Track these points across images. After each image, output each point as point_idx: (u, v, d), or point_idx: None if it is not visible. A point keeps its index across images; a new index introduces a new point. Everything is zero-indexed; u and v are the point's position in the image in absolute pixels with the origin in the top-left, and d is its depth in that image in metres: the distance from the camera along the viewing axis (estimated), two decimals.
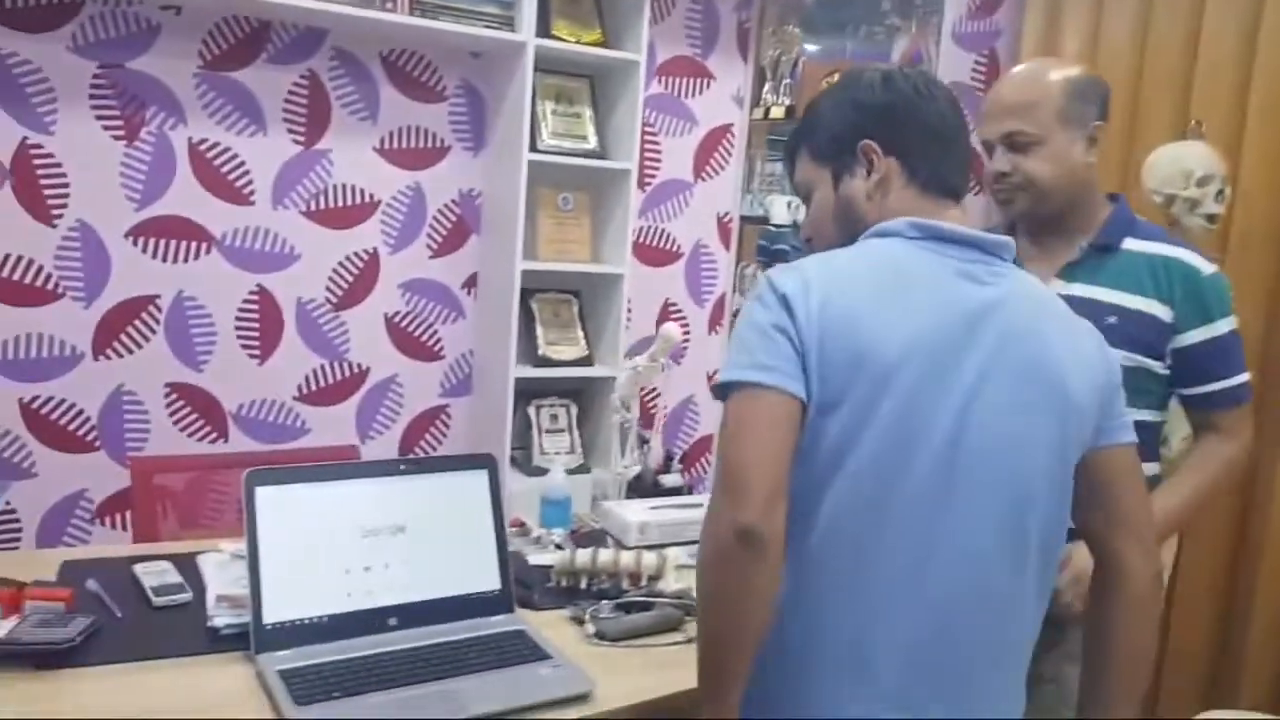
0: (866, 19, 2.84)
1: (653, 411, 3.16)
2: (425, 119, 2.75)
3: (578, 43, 2.68)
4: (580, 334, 2.87)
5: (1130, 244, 1.52)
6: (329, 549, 1.38)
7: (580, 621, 1.50)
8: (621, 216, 2.80)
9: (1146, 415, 1.49)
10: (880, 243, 1.10)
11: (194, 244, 2.54)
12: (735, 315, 3.12)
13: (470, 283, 2.89)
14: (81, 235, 2.41)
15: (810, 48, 2.99)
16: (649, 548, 1.69)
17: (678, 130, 3.06)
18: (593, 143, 2.78)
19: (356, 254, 2.74)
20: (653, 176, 3.03)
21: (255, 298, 2.63)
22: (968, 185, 1.18)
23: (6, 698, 1.18)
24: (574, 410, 2.92)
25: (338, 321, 2.74)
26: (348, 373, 2.78)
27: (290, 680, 1.23)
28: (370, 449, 2.80)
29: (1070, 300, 1.31)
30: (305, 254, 2.67)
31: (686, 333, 3.03)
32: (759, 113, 2.92)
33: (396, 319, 2.82)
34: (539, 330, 2.81)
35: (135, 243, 2.47)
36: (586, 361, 2.84)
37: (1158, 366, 1.50)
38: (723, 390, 1.04)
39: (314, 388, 2.74)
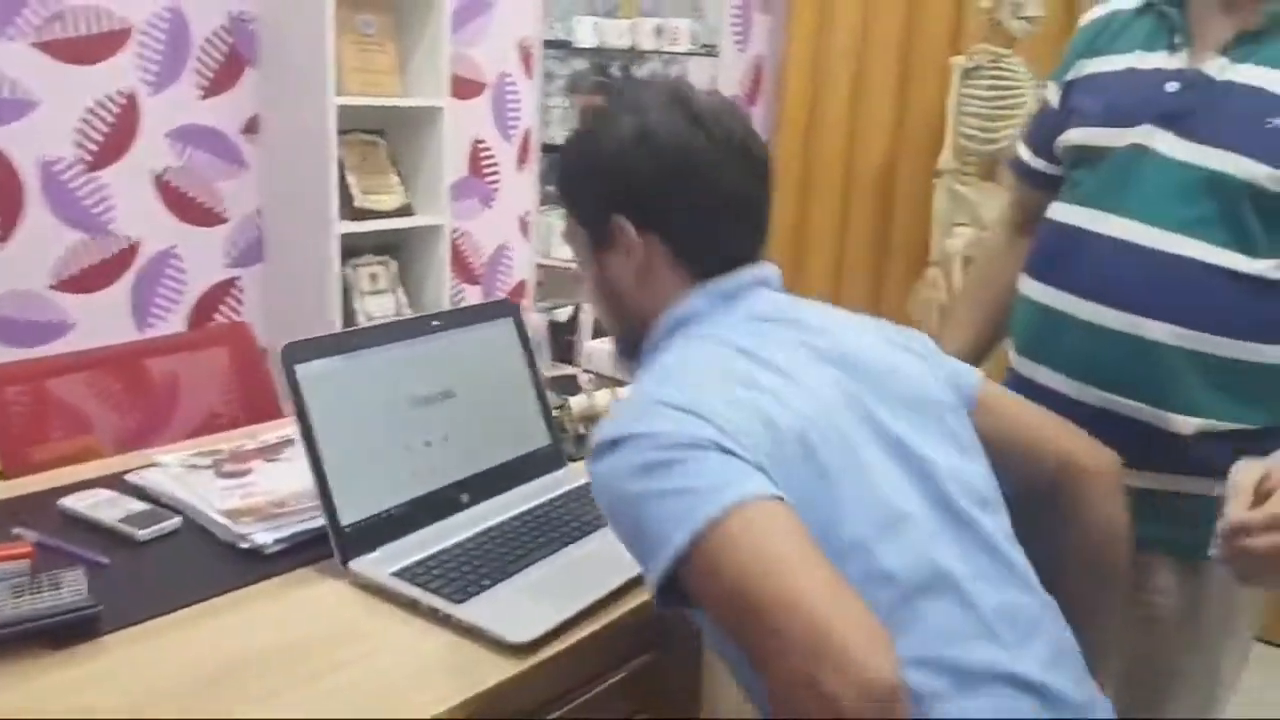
0: None
1: (469, 259, 2.93)
2: None
3: None
4: (396, 180, 2.54)
5: None
6: (386, 427, 1.14)
7: None
8: (433, 39, 2.46)
9: None
10: (695, 343, 0.88)
11: None
12: (544, 150, 2.93)
13: (251, 127, 2.42)
14: None
15: None
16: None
17: None
18: None
19: (109, 97, 2.16)
20: None
21: None
22: (763, 238, 0.94)
23: (52, 686, 0.86)
24: (394, 267, 2.62)
25: (95, 184, 2.17)
26: (114, 249, 2.23)
27: (417, 580, 1.02)
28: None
29: (1230, 89, 1.01)
30: (45, 100, 2.05)
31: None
32: None
33: (167, 177, 2.29)
34: (351, 179, 2.44)
35: None
36: (407, 211, 2.54)
37: None
38: (684, 552, 0.73)
39: (74, 271, 2.18)
